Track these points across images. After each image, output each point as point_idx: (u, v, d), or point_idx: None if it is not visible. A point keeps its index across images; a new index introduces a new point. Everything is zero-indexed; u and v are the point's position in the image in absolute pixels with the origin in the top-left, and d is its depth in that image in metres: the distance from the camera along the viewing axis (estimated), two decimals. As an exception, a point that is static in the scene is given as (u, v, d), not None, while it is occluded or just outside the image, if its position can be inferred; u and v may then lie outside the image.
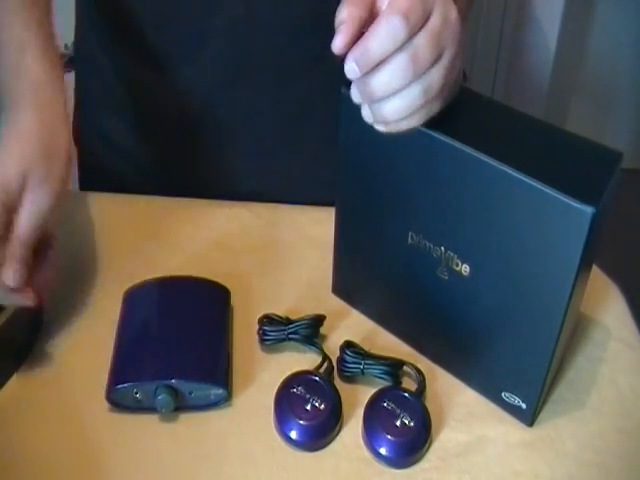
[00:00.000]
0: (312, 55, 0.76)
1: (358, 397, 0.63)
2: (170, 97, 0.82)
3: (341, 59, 0.50)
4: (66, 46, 0.99)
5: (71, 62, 0.98)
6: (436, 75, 0.51)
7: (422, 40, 0.50)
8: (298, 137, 0.83)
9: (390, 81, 0.50)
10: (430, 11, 0.50)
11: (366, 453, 0.60)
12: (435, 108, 0.53)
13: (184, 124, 0.83)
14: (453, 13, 0.51)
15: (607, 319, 0.72)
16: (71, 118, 0.93)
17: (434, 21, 0.50)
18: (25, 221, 0.59)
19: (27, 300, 0.60)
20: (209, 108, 0.81)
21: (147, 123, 0.86)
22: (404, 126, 0.53)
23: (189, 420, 0.61)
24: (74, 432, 0.60)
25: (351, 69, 0.49)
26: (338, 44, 0.49)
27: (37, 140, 0.59)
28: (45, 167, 0.59)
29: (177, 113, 0.83)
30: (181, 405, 0.61)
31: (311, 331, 0.66)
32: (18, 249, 0.58)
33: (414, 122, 0.53)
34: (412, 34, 0.49)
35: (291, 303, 0.71)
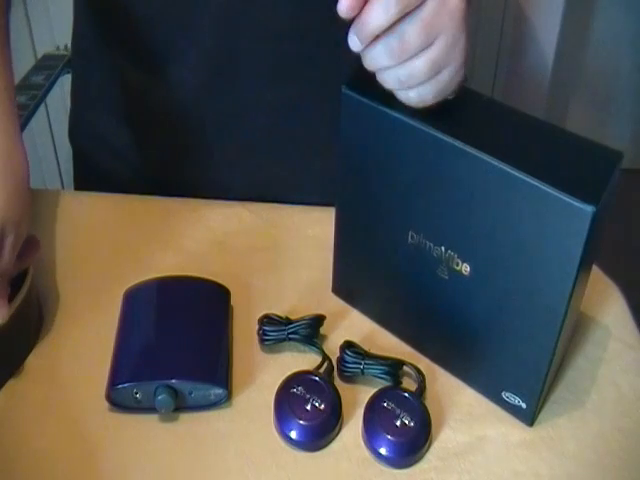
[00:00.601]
0: (302, 55, 0.76)
1: (358, 397, 0.63)
2: (161, 96, 0.82)
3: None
4: (66, 47, 0.99)
5: (71, 62, 0.98)
6: (421, 64, 0.51)
7: (411, 27, 0.50)
8: (291, 137, 0.83)
9: (377, 59, 0.52)
10: None
11: (366, 453, 0.60)
12: (440, 90, 0.53)
13: (176, 123, 0.83)
14: None
15: (607, 319, 0.72)
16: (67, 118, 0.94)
17: (429, 6, 0.50)
18: (5, 261, 0.59)
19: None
20: (200, 107, 0.80)
21: (140, 123, 0.86)
22: (404, 96, 0.54)
23: (189, 420, 0.61)
24: (74, 432, 0.60)
25: (353, 42, 0.51)
26: (342, 7, 0.49)
27: (5, 183, 0.58)
28: (18, 208, 0.59)
29: (169, 112, 0.83)
30: (181, 405, 0.61)
31: (311, 331, 0.66)
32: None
33: (414, 96, 0.54)
34: (403, 13, 0.49)
35: (291, 303, 0.70)
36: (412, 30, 0.50)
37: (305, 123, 0.82)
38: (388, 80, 0.53)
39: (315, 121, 0.81)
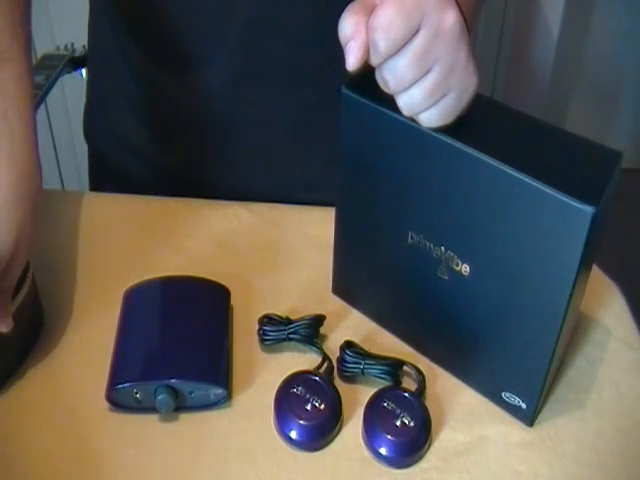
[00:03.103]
0: (326, 58, 0.76)
1: (358, 397, 0.63)
2: (183, 98, 0.82)
3: None
4: (66, 47, 0.99)
5: (71, 62, 0.98)
6: (418, 93, 0.52)
7: (402, 60, 0.50)
8: (312, 141, 0.83)
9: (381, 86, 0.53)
10: (418, 26, 0.49)
11: (366, 453, 0.60)
12: (446, 114, 0.54)
13: (198, 125, 0.83)
14: (449, 20, 0.50)
15: (607, 319, 0.72)
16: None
17: (421, 38, 0.49)
18: (13, 277, 0.59)
19: (3, 328, 0.59)
20: (223, 110, 0.81)
21: (160, 123, 0.86)
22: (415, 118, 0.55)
23: (189, 420, 0.61)
24: (74, 432, 0.60)
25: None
26: (352, 64, 0.50)
27: (23, 205, 0.58)
28: (32, 228, 0.59)
29: (191, 114, 0.83)
30: (181, 405, 0.61)
31: (311, 331, 0.66)
32: (2, 299, 0.59)
33: (422, 120, 0.55)
34: (394, 50, 0.49)
35: (291, 303, 0.71)
36: (403, 64, 0.50)
37: (326, 127, 0.82)
38: (399, 104, 0.54)
39: (332, 125, 0.81)
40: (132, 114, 0.86)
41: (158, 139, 0.87)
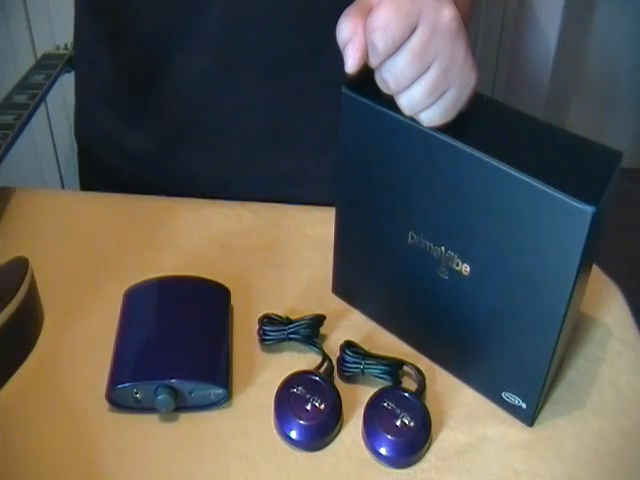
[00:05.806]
0: (308, 48, 0.76)
1: (358, 397, 0.63)
2: (166, 88, 0.82)
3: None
4: (66, 46, 0.99)
5: (70, 62, 0.98)
6: (418, 91, 0.52)
7: (401, 59, 0.50)
8: (293, 130, 0.83)
9: (381, 88, 0.53)
10: (415, 24, 0.49)
11: (366, 453, 0.60)
12: (446, 111, 0.54)
13: (180, 116, 0.83)
14: (446, 16, 0.50)
15: (607, 319, 0.72)
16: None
17: (419, 35, 0.49)
18: None
19: None
20: (205, 98, 0.81)
21: (143, 115, 0.86)
22: (415, 117, 0.55)
23: (189, 420, 0.61)
24: (74, 432, 0.60)
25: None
26: (350, 67, 0.50)
27: None
28: None
29: (173, 104, 0.83)
30: (181, 405, 0.61)
31: (311, 331, 0.66)
32: None
33: (422, 119, 0.54)
34: (393, 49, 0.49)
35: (291, 303, 0.70)
36: (402, 62, 0.50)
37: (308, 116, 0.82)
38: (400, 104, 0.54)
39: (318, 114, 0.81)
40: (115, 110, 0.87)
41: (140, 132, 0.87)
